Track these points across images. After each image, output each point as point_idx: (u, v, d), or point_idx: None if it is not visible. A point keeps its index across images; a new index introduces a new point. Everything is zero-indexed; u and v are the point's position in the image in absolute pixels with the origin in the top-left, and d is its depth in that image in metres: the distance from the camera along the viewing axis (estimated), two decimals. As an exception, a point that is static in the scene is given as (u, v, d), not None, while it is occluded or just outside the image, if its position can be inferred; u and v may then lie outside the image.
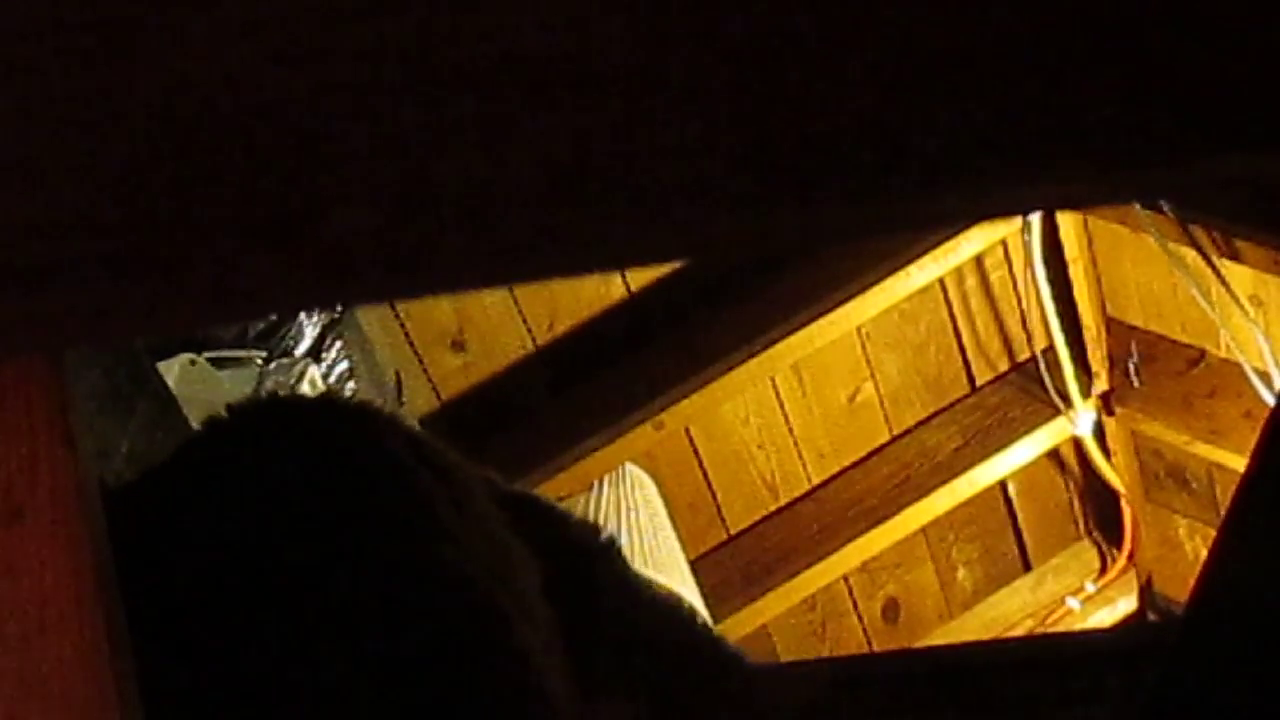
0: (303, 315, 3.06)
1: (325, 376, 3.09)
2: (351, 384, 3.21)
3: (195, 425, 1.82)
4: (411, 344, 3.71)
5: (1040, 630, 4.68)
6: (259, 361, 2.98)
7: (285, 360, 3.01)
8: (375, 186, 0.83)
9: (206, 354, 2.88)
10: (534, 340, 3.82)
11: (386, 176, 0.83)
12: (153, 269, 0.85)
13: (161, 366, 2.46)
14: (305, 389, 3.01)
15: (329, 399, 2.21)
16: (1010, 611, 4.70)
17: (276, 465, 1.23)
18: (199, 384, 2.73)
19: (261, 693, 1.11)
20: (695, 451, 4.09)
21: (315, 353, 3.08)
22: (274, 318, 3.01)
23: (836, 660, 3.47)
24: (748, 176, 0.82)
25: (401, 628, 1.15)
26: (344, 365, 3.14)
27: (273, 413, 1.36)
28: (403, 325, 3.68)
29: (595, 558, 1.46)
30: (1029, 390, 4.26)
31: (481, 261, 0.84)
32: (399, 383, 3.40)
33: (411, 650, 1.14)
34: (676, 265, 3.83)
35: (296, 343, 3.06)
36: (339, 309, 3.11)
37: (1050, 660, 1.57)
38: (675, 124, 0.82)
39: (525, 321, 3.79)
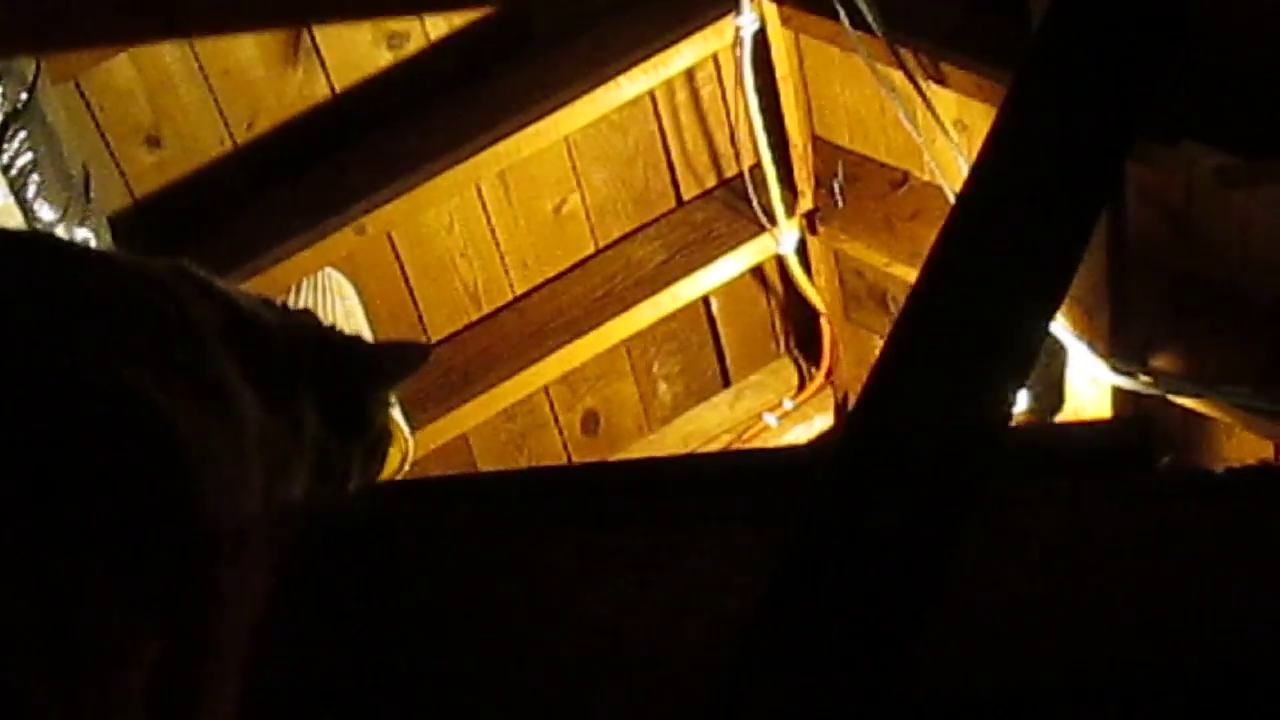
0: (-18, 103, 2.92)
1: (6, 170, 2.97)
2: (36, 177, 3.08)
3: None
4: (104, 138, 3.58)
5: (738, 445, 4.75)
6: (-67, 150, 2.84)
7: (-39, 149, 2.88)
8: None
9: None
10: (233, 138, 3.71)
11: None
12: None
13: None
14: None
15: None
16: (709, 426, 4.76)
17: None
18: None
19: None
20: (397, 257, 4.03)
21: (-5, 143, 2.95)
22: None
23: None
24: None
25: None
26: (28, 158, 3.01)
27: None
28: (94, 118, 3.54)
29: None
30: (735, 207, 4.27)
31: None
32: (87, 178, 3.26)
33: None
34: (381, 66, 3.74)
35: (-25, 132, 2.93)
36: (22, 96, 2.98)
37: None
38: None
39: (224, 119, 3.68)
